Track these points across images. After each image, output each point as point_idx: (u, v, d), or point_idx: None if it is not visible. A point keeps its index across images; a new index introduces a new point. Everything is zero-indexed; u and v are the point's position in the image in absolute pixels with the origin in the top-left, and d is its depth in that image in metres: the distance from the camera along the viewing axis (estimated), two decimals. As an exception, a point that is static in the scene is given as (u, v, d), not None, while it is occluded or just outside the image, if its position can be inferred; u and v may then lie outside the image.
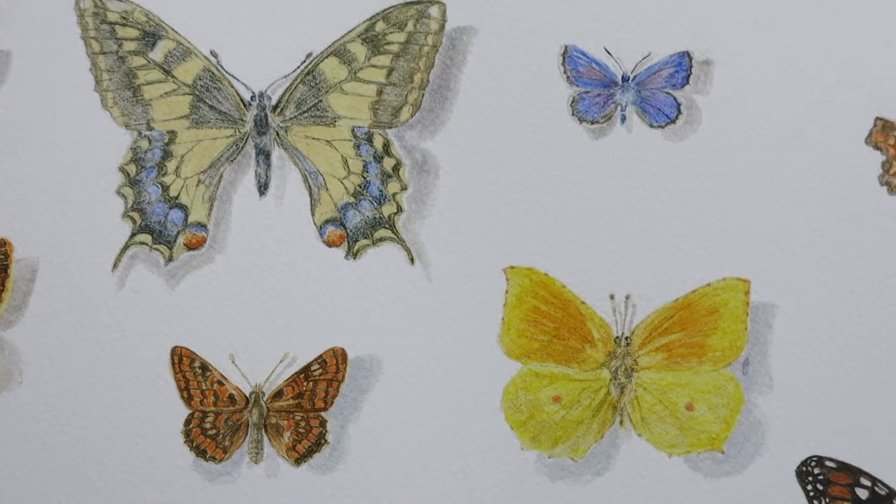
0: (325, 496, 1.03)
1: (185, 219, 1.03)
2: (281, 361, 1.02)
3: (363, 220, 1.03)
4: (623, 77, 1.01)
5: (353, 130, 1.02)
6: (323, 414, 1.02)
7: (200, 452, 1.00)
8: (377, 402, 1.03)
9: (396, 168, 1.02)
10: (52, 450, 1.03)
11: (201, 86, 1.02)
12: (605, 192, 1.03)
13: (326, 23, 1.03)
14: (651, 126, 1.01)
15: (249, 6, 1.06)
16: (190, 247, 1.03)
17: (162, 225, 1.03)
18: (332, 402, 1.01)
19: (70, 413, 1.04)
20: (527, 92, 1.03)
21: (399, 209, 1.03)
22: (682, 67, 1.01)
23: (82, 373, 1.04)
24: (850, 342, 1.01)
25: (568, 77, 1.01)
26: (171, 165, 1.02)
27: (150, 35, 1.02)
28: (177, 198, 1.03)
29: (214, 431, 1.01)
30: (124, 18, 1.01)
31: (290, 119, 1.02)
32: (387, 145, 1.02)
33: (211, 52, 1.02)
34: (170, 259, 1.03)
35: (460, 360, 1.03)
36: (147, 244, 1.03)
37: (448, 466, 1.02)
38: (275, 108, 1.02)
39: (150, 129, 1.03)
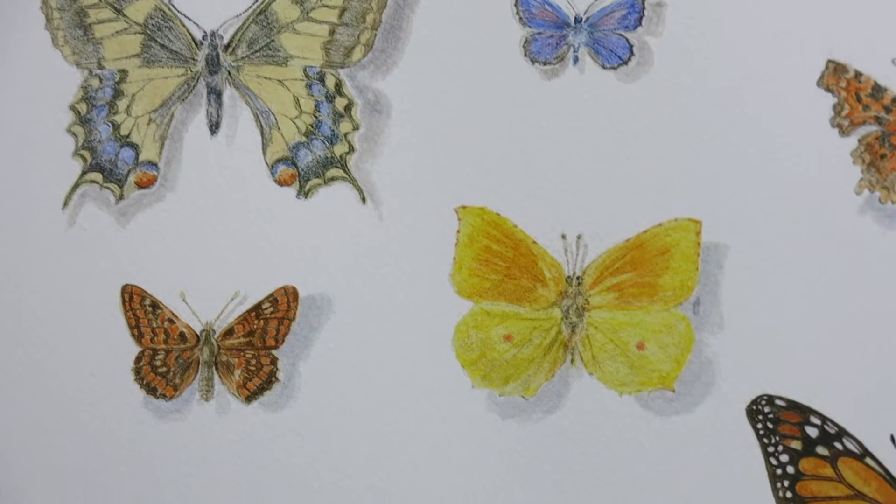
0: (275, 434, 1.03)
1: (136, 157, 1.02)
2: (232, 300, 1.02)
3: (315, 160, 1.03)
4: (576, 18, 1.01)
5: (304, 70, 1.02)
6: (274, 352, 1.02)
7: (151, 390, 1.01)
8: (328, 341, 1.03)
9: (348, 108, 1.02)
10: (1, 387, 1.05)
11: (153, 25, 1.02)
12: (558, 132, 1.02)
13: None
14: (603, 67, 1.01)
15: None
16: (141, 185, 1.03)
17: (112, 163, 1.02)
18: (282, 341, 1.01)
19: (20, 350, 1.04)
20: (479, 33, 1.03)
21: (351, 148, 1.02)
22: (635, 9, 1.01)
23: (33, 310, 1.04)
24: (801, 282, 1.01)
25: (521, 18, 1.01)
26: (122, 104, 1.02)
27: None
28: (127, 136, 1.03)
29: (165, 369, 1.01)
30: None
31: (242, 58, 1.02)
32: (339, 85, 1.02)
33: None
34: (120, 197, 1.02)
35: (411, 299, 1.03)
36: (98, 182, 1.02)
37: (399, 404, 1.02)
38: (226, 47, 1.02)
39: (101, 68, 1.03)
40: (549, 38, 1.01)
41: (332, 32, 1.02)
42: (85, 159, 1.03)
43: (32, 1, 1.04)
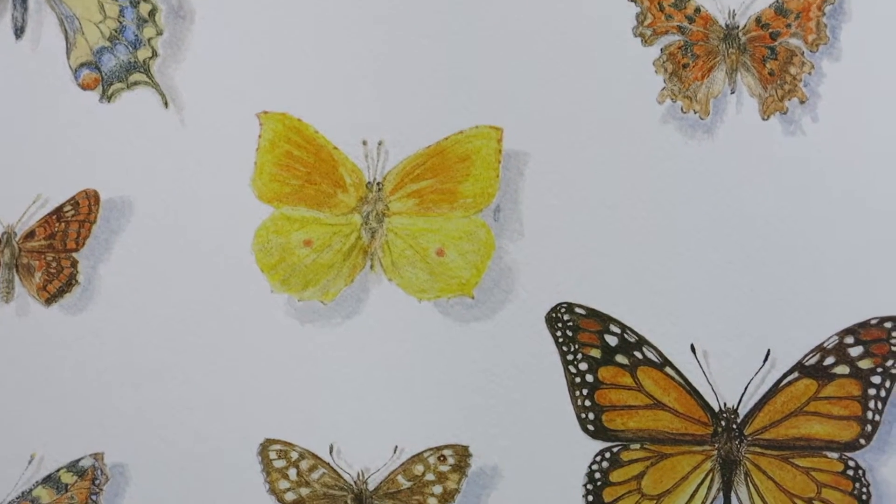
0: (75, 336, 1.03)
1: None
2: (33, 203, 1.02)
3: (118, 64, 1.03)
4: None
5: None
6: (74, 255, 1.02)
7: None
8: (128, 244, 1.03)
9: (152, 13, 1.02)
10: None
11: None
12: (359, 37, 1.02)
13: None
14: None
15: None
16: None
17: None
18: (83, 244, 1.02)
19: None
20: None
21: (154, 54, 1.03)
22: None
23: None
24: (602, 191, 1.01)
25: None
26: None
27: None
28: None
29: None
30: None
31: None
32: None
33: None
34: None
35: (212, 203, 1.02)
36: None
37: (198, 308, 1.02)
38: None
39: None
40: None
41: None
42: None
43: None
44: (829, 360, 0.97)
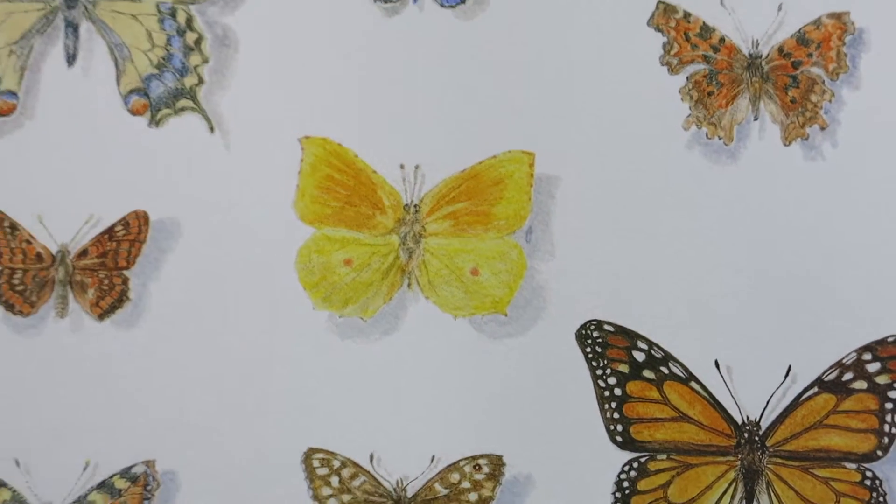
0: (127, 349, 1.04)
1: None
2: (86, 223, 1.03)
3: (166, 91, 1.04)
4: None
5: (157, 5, 1.03)
6: (125, 272, 1.03)
7: (9, 306, 1.02)
8: (177, 262, 1.04)
9: (198, 42, 1.03)
10: None
11: None
12: (397, 66, 1.04)
13: None
14: (442, 6, 1.03)
15: None
16: (1, 113, 1.03)
17: None
18: (134, 262, 1.03)
19: None
20: None
21: (200, 80, 1.04)
22: None
23: None
24: (630, 213, 1.02)
25: None
26: None
27: None
28: None
29: (22, 287, 1.02)
30: None
31: None
32: (189, 20, 1.03)
33: None
34: None
35: (256, 223, 1.04)
36: None
37: (243, 324, 1.03)
38: None
39: None
40: None
41: None
42: None
43: None
44: (848, 376, 0.99)
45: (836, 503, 0.99)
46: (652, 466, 1.00)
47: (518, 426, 1.03)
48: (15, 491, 1.02)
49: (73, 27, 1.03)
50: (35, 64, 1.05)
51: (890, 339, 0.99)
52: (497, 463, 1.02)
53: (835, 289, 1.02)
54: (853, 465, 0.99)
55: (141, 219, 1.03)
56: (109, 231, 1.03)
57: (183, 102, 1.04)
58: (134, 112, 1.04)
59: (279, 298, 1.03)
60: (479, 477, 1.01)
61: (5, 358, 1.04)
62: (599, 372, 1.01)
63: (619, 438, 1.01)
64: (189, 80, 1.04)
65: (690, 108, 1.02)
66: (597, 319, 1.01)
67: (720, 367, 1.01)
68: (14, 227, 1.02)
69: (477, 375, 1.03)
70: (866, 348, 0.99)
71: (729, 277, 1.03)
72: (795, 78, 1.02)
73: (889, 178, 1.03)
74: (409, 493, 1.01)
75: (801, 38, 1.01)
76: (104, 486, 1.02)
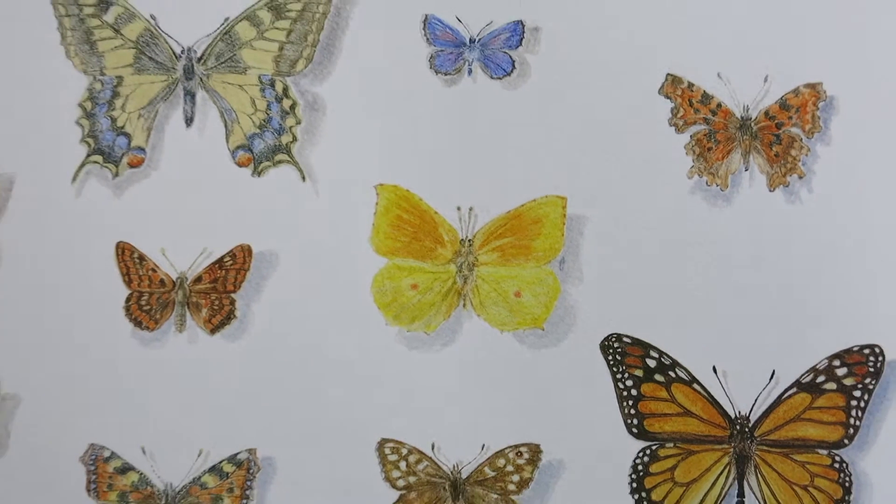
0: (233, 359, 1.12)
1: (129, 143, 1.11)
2: (201, 254, 1.10)
3: (266, 147, 1.11)
4: (470, 39, 1.09)
5: (259, 77, 1.10)
6: (233, 295, 1.10)
7: (137, 323, 1.10)
8: (275, 287, 1.11)
9: (293, 107, 1.10)
10: (21, 319, 1.12)
11: (143, 41, 1.11)
12: (454, 126, 1.10)
13: None
14: (492, 78, 1.09)
15: None
16: (132, 165, 1.11)
17: (111, 148, 1.11)
18: (239, 286, 1.10)
19: (36, 288, 1.12)
20: (396, 50, 1.11)
21: (294, 138, 1.10)
22: (517, 32, 1.09)
23: (48, 260, 1.12)
24: (644, 247, 1.09)
25: (427, 39, 1.09)
26: (118, 102, 1.11)
27: (104, 2, 1.10)
28: (122, 127, 1.11)
29: (148, 307, 1.10)
30: None
31: (211, 68, 1.10)
32: (286, 89, 1.10)
33: (150, 16, 1.10)
34: (116, 174, 1.11)
35: (339, 255, 1.10)
36: (99, 163, 1.11)
37: (329, 338, 1.10)
38: (199, 59, 1.10)
39: (102, 74, 1.11)
40: (449, 55, 1.09)
41: (281, 49, 1.10)
42: (89, 145, 1.11)
43: (50, 24, 1.11)
44: (821, 378, 1.05)
45: (810, 482, 1.05)
46: (661, 453, 1.07)
47: (553, 420, 1.09)
48: (142, 473, 1.10)
49: (190, 95, 1.10)
50: (160, 125, 1.12)
51: (854, 349, 1.05)
52: (535, 450, 1.08)
53: (810, 307, 1.08)
54: (825, 452, 1.05)
55: (245, 251, 1.10)
56: (220, 261, 1.10)
57: (280, 156, 1.11)
58: (240, 164, 1.12)
59: (358, 316, 1.10)
60: (520, 462, 1.08)
61: (134, 365, 1.12)
62: (619, 376, 1.07)
63: (634, 430, 1.07)
64: (285, 138, 1.11)
65: (693, 161, 1.08)
66: (617, 333, 1.07)
67: (717, 371, 1.07)
68: (142, 258, 1.10)
69: (519, 379, 1.09)
70: (835, 356, 1.05)
71: (725, 298, 1.08)
72: (779, 136, 1.07)
73: (853, 218, 1.08)
74: (464, 475, 1.08)
75: (784, 104, 1.07)
76: (214, 469, 1.09)
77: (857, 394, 1.04)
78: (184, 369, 1.12)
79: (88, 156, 1.12)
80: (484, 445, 1.09)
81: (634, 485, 1.07)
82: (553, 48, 1.10)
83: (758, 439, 1.05)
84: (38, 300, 1.12)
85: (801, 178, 1.07)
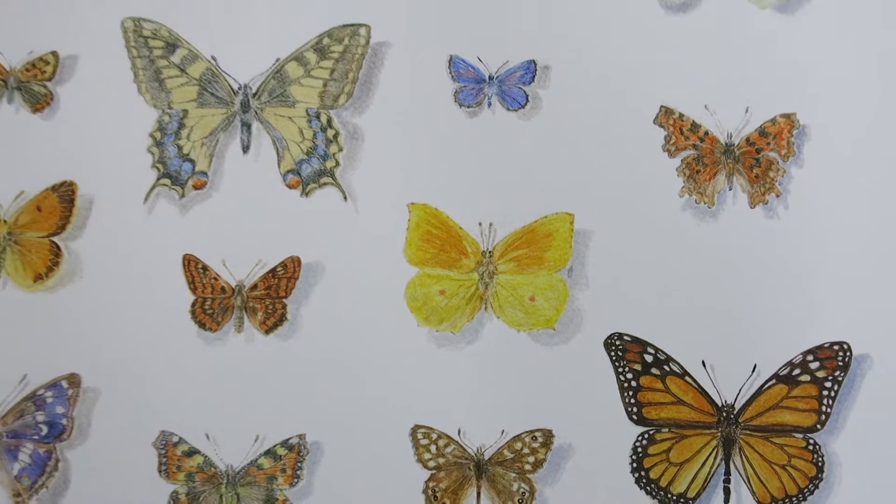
0: (285, 356, 1.13)
1: (193, 168, 1.13)
2: (256, 265, 1.12)
3: (313, 171, 1.12)
4: (489, 76, 1.11)
5: (306, 110, 1.12)
6: (284, 300, 1.12)
7: (201, 325, 1.12)
8: (321, 292, 1.13)
9: (336, 136, 1.12)
10: (101, 322, 1.15)
11: (205, 79, 1.13)
12: (476, 153, 1.12)
13: (290, 37, 1.13)
14: (508, 110, 1.11)
15: (237, 27, 1.14)
16: (196, 187, 1.13)
17: (177, 172, 1.13)
18: (290, 292, 1.12)
19: (114, 295, 1.15)
20: (424, 86, 1.13)
21: (337, 163, 1.12)
22: (530, 70, 1.11)
23: (123, 270, 1.15)
24: (641, 257, 1.10)
25: (452, 76, 1.12)
26: (184, 133, 1.13)
27: (171, 45, 1.13)
28: (188, 154, 1.13)
29: (211, 311, 1.12)
30: (154, 34, 1.12)
31: (265, 102, 1.12)
32: (329, 120, 1.12)
33: (211, 57, 1.13)
34: (182, 195, 1.13)
35: (377, 266, 1.12)
36: (167, 185, 1.13)
37: (368, 338, 1.12)
38: (254, 94, 1.12)
39: (170, 108, 1.13)
40: (471, 90, 1.11)
41: (325, 85, 1.11)
42: (159, 169, 1.13)
43: (124, 64, 1.14)
44: (796, 371, 1.07)
45: (788, 462, 1.06)
46: (658, 437, 1.08)
47: (563, 408, 1.10)
48: (206, 456, 1.12)
49: (247, 126, 1.12)
50: (220, 152, 1.14)
51: (826, 345, 1.06)
52: (548, 435, 1.09)
53: (787, 309, 1.08)
54: (800, 435, 1.06)
55: (295, 262, 1.11)
56: (273, 271, 1.12)
57: (325, 179, 1.12)
58: (290, 186, 1.13)
59: (393, 318, 1.11)
60: (535, 445, 1.09)
61: (199, 361, 1.14)
62: (620, 370, 1.08)
63: (634, 417, 1.08)
64: (329, 163, 1.12)
65: (684, 182, 1.09)
66: (618, 332, 1.08)
67: (706, 365, 1.08)
68: (205, 268, 1.12)
69: (533, 373, 1.11)
70: (809, 351, 1.07)
71: (712, 301, 1.09)
72: (758, 160, 1.08)
73: (823, 230, 1.08)
74: (486, 457, 1.10)
75: (762, 132, 1.08)
76: (269, 453, 1.11)
77: (828, 385, 1.05)
78: (242, 365, 1.13)
79: (158, 179, 1.13)
80: (503, 431, 1.09)
81: (634, 465, 1.08)
82: (561, 84, 1.11)
83: (742, 425, 1.06)
84: (115, 305, 1.14)
85: (777, 196, 1.08)
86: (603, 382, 1.10)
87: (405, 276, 1.12)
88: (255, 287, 1.13)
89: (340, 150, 1.12)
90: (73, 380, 1.14)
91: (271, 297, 1.12)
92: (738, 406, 1.08)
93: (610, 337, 1.09)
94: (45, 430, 1.13)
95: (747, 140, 1.09)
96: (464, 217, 1.11)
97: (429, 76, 1.13)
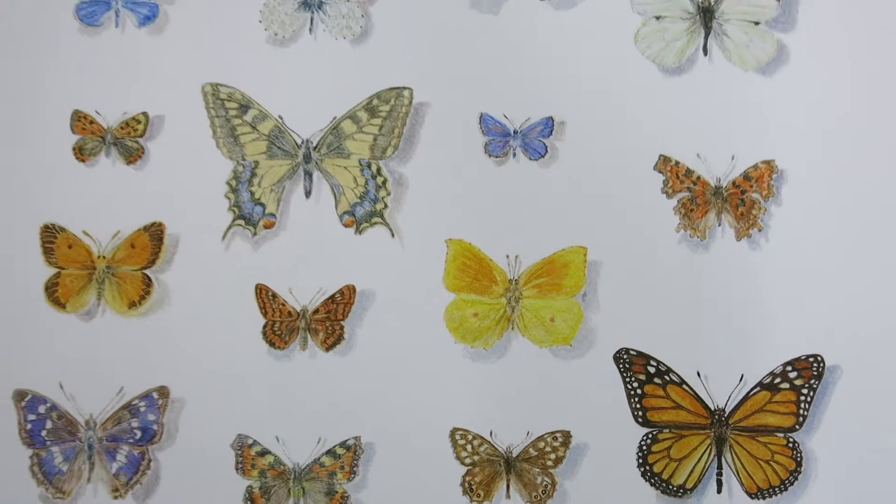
0: (343, 371, 1.20)
1: (264, 211, 1.19)
2: (318, 292, 1.19)
3: (365, 212, 1.19)
4: (514, 131, 1.18)
5: (359, 161, 1.19)
6: (342, 322, 1.18)
7: (271, 344, 1.19)
8: (374, 317, 1.20)
9: (384, 182, 1.19)
10: (187, 341, 1.19)
11: (273, 135, 1.19)
12: (503, 196, 1.19)
13: (344, 99, 1.20)
14: (530, 159, 1.18)
15: (300, 91, 1.20)
16: (266, 227, 1.19)
17: (250, 214, 1.19)
18: (347, 316, 1.18)
19: (197, 320, 1.20)
20: (459, 140, 1.19)
21: (385, 205, 1.19)
22: (548, 125, 1.18)
23: (204, 298, 1.21)
24: (645, 284, 1.17)
25: (482, 130, 1.19)
26: (255, 181, 1.19)
27: (244, 106, 1.19)
28: (259, 199, 1.19)
29: (280, 332, 1.18)
30: (229, 96, 1.19)
31: (324, 154, 1.19)
32: (379, 169, 1.19)
33: (279, 116, 1.19)
34: (255, 234, 1.20)
35: (421, 293, 1.19)
36: (242, 225, 1.19)
37: (413, 355, 1.19)
38: (315, 148, 1.18)
39: (243, 160, 1.19)
40: (498, 142, 1.18)
41: (374, 139, 1.18)
42: (235, 212, 1.19)
43: (204, 123, 1.20)
44: (777, 380, 1.14)
45: (771, 457, 1.13)
46: (660, 437, 1.15)
47: (580, 413, 1.17)
48: (276, 456, 1.18)
49: (308, 174, 1.18)
50: (286, 196, 1.20)
51: (802, 357, 1.13)
52: (567, 435, 1.16)
53: (769, 327, 1.15)
54: (781, 435, 1.13)
55: (351, 290, 1.18)
56: (332, 297, 1.18)
57: (375, 219, 1.18)
58: (346, 225, 1.19)
59: (434, 337, 1.18)
60: (556, 444, 1.16)
61: (269, 376, 1.20)
62: (627, 379, 1.16)
63: (640, 420, 1.15)
64: (378, 206, 1.19)
65: (680, 219, 1.17)
66: (626, 347, 1.15)
67: (700, 375, 1.16)
68: (274, 295, 1.19)
69: (554, 382, 1.18)
70: (788, 363, 1.13)
71: (705, 321, 1.16)
72: (743, 200, 1.15)
73: (799, 259, 1.15)
74: (514, 455, 1.16)
75: (746, 176, 1.16)
76: (330, 452, 1.17)
77: (805, 391, 1.12)
78: (306, 378, 1.19)
79: (234, 220, 1.20)
80: (528, 432, 1.17)
81: (640, 461, 1.15)
82: (575, 137, 1.18)
83: (731, 426, 1.13)
84: (199, 328, 1.20)
85: (759, 231, 1.15)
86: (613, 390, 1.17)
87: (444, 301, 1.19)
88: (316, 311, 1.20)
89: (388, 194, 1.19)
90: (163, 391, 1.21)
91: (331, 319, 1.19)
92: (728, 410, 1.15)
93: (618, 352, 1.16)
94: (138, 434, 1.20)
95: (733, 183, 1.17)
96: (493, 250, 1.19)
97: (462, 131, 1.20)
